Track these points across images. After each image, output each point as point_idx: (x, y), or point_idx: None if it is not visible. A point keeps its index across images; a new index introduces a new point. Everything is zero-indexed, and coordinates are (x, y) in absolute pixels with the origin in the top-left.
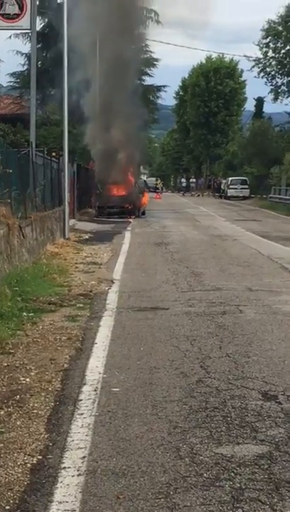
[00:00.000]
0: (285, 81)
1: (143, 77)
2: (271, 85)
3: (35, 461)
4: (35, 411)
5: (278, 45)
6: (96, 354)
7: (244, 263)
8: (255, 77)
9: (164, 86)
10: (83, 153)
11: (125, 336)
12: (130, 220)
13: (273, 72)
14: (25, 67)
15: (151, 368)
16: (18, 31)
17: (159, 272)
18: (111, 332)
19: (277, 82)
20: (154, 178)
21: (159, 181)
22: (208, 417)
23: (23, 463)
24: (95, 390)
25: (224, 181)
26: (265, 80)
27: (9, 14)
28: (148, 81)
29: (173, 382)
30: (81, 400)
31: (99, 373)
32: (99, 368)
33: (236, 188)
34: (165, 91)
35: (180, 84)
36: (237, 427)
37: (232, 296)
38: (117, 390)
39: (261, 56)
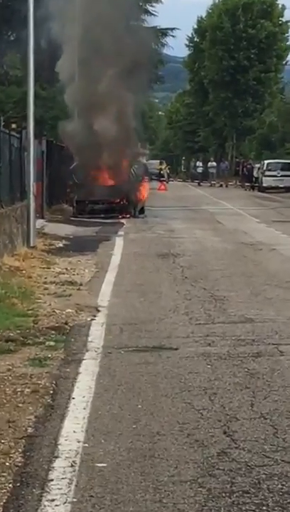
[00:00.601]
0: None
1: (143, 17)
2: None
3: None
4: None
5: None
6: (73, 414)
7: (286, 284)
8: None
9: (172, 29)
10: (56, 125)
11: (115, 388)
12: (122, 220)
13: None
14: None
15: (152, 434)
16: None
17: (165, 296)
18: (95, 382)
19: None
20: (157, 161)
21: (165, 166)
22: (235, 505)
23: None
24: (72, 466)
25: (257, 166)
26: None
27: None
28: (149, 22)
29: (184, 455)
30: (52, 480)
31: (78, 441)
32: (77, 434)
33: (275, 176)
34: (173, 36)
35: (195, 26)
36: None
37: (268, 331)
38: (104, 465)
39: None
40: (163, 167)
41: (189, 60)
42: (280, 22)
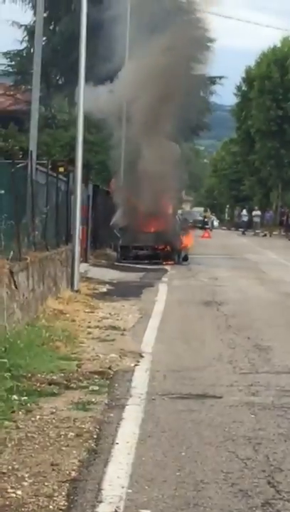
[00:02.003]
0: None
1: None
2: None
3: None
4: None
5: None
6: (117, 459)
7: None
8: None
9: (220, 77)
10: (102, 169)
11: (159, 435)
12: (166, 267)
13: None
14: (24, 44)
15: (196, 482)
16: None
17: (208, 344)
18: (139, 428)
19: None
20: (201, 209)
21: (209, 213)
22: None
23: None
24: (116, 511)
25: None
26: None
27: None
28: (197, 70)
29: (228, 504)
30: None
31: (122, 487)
32: (121, 480)
33: None
34: (221, 84)
35: (244, 75)
36: None
37: None
38: None
39: None
40: (207, 214)
41: (236, 108)
42: None
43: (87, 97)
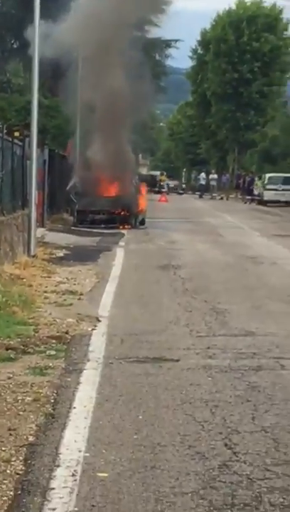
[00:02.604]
0: None
1: (146, 27)
2: None
3: None
4: None
5: None
6: (74, 423)
7: (287, 298)
8: None
9: (176, 41)
10: (58, 134)
11: (116, 399)
12: (123, 231)
13: None
14: None
15: (153, 445)
16: None
17: (165, 308)
18: (96, 392)
19: None
20: (158, 172)
21: (164, 176)
22: None
23: None
24: (73, 475)
25: (259, 179)
26: None
27: None
28: (153, 33)
29: (185, 467)
30: (53, 488)
31: (79, 451)
32: (78, 444)
33: (276, 190)
34: (177, 47)
35: (199, 38)
36: None
37: (270, 344)
38: (105, 475)
39: None
40: (162, 178)
41: (192, 71)
42: (284, 36)
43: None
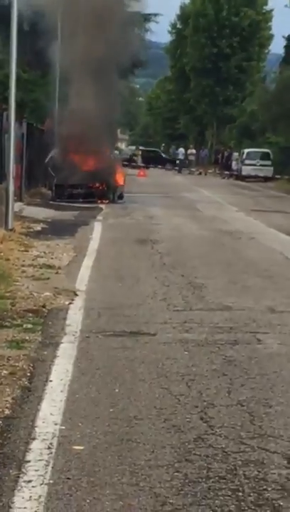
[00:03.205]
0: None
1: (126, 1)
2: None
3: None
4: None
5: None
6: (50, 396)
7: (264, 272)
8: (286, 5)
9: (155, 15)
10: (36, 108)
11: (93, 372)
12: (101, 205)
13: None
14: None
15: (129, 418)
16: None
17: (143, 282)
18: (72, 365)
19: None
20: (134, 147)
21: (138, 151)
22: (211, 490)
23: None
24: (49, 448)
25: (237, 154)
26: None
27: None
28: (131, 7)
29: (160, 440)
30: (29, 461)
31: (55, 424)
32: (54, 417)
33: (254, 165)
34: (156, 22)
35: (179, 12)
36: (252, 505)
37: (246, 318)
38: (81, 448)
39: None
40: (136, 152)
41: (171, 46)
42: (264, 11)
43: None
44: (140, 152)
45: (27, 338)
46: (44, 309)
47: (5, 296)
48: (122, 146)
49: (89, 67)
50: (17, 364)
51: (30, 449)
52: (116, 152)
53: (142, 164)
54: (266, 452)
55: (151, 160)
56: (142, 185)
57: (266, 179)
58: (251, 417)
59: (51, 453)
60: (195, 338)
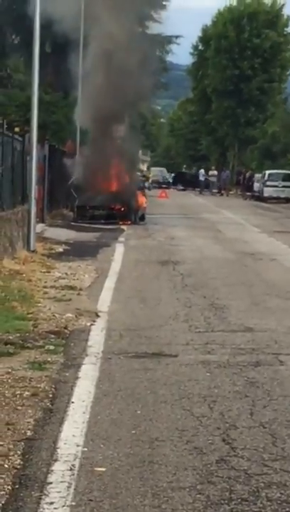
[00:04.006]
0: None
1: (146, 23)
2: None
3: None
4: None
5: None
6: (72, 418)
7: (286, 294)
8: None
9: (177, 37)
10: (58, 130)
11: (115, 394)
12: (123, 227)
13: None
14: None
15: (151, 440)
16: None
17: (164, 303)
18: (94, 387)
19: None
20: (159, 169)
21: (148, 172)
22: None
23: None
24: (71, 470)
25: (259, 176)
26: None
27: None
28: (153, 29)
29: (183, 462)
30: (51, 482)
31: (77, 446)
32: (76, 438)
33: (276, 186)
34: (177, 44)
35: (200, 35)
36: None
37: (268, 340)
38: (103, 470)
39: None
40: (147, 174)
41: (193, 68)
42: (285, 32)
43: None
44: (150, 174)
45: (49, 359)
46: (66, 330)
47: (27, 317)
48: (144, 167)
49: (111, 89)
50: (39, 385)
51: (52, 471)
52: (141, 174)
53: (181, 187)
54: (288, 474)
55: (188, 183)
56: (164, 207)
57: (287, 200)
58: (273, 439)
59: (73, 474)
60: (217, 359)
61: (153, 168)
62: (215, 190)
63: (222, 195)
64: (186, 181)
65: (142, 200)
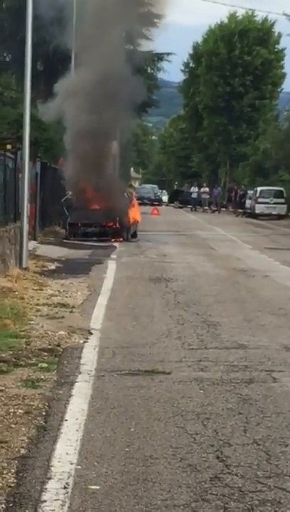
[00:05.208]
0: None
1: (138, 41)
2: None
3: None
4: None
5: None
6: (66, 436)
7: (279, 310)
8: None
9: (168, 54)
10: (50, 147)
11: (108, 411)
12: (115, 244)
13: None
14: None
15: (145, 457)
16: None
17: (157, 321)
18: (88, 404)
19: None
20: (149, 186)
21: (133, 188)
22: None
23: None
24: (65, 488)
25: (250, 192)
26: None
27: None
28: (144, 46)
29: (177, 479)
30: (45, 501)
31: (71, 463)
32: (70, 456)
33: (267, 203)
34: (169, 61)
35: (191, 52)
36: None
37: (261, 357)
38: (97, 488)
39: None
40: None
41: (184, 85)
42: (276, 49)
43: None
44: (134, 190)
45: (42, 377)
46: (59, 348)
47: (20, 335)
48: (135, 184)
49: (100, 110)
50: (32, 403)
51: (46, 489)
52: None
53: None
54: (283, 491)
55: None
56: (156, 224)
57: (279, 217)
58: (267, 456)
59: (67, 492)
60: (210, 376)
61: (144, 185)
62: (206, 207)
63: (214, 212)
64: (183, 199)
65: (135, 217)
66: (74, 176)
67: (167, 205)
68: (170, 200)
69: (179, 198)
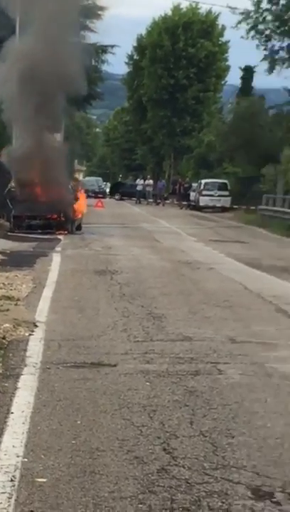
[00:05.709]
0: (285, 44)
1: (82, 33)
2: (265, 49)
3: None
4: None
5: None
6: (12, 429)
7: (224, 302)
8: (242, 37)
9: (112, 46)
10: None
11: (54, 404)
12: (60, 236)
13: (268, 31)
14: None
15: (91, 450)
16: None
17: (102, 313)
18: (34, 397)
19: (273, 45)
20: (94, 178)
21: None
22: None
23: None
24: (12, 481)
25: (194, 185)
26: (257, 41)
27: None
28: (88, 38)
29: (123, 471)
30: None
31: (18, 456)
32: (16, 449)
33: (212, 196)
34: (113, 53)
35: (135, 44)
36: None
37: (207, 349)
38: (44, 480)
39: (252, 8)
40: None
41: (128, 77)
42: (220, 42)
43: None
44: (79, 182)
45: None
46: (4, 341)
47: None
48: (80, 177)
49: (42, 101)
50: None
51: None
52: (76, 183)
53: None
54: (229, 483)
55: (126, 193)
56: (100, 216)
57: (223, 209)
58: (214, 448)
59: (14, 485)
60: (156, 368)
61: (88, 178)
62: (151, 200)
63: (158, 204)
64: (124, 191)
65: (79, 209)
66: (18, 168)
67: (110, 198)
68: (111, 192)
69: (120, 190)
